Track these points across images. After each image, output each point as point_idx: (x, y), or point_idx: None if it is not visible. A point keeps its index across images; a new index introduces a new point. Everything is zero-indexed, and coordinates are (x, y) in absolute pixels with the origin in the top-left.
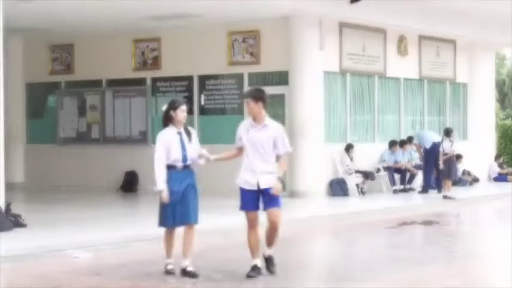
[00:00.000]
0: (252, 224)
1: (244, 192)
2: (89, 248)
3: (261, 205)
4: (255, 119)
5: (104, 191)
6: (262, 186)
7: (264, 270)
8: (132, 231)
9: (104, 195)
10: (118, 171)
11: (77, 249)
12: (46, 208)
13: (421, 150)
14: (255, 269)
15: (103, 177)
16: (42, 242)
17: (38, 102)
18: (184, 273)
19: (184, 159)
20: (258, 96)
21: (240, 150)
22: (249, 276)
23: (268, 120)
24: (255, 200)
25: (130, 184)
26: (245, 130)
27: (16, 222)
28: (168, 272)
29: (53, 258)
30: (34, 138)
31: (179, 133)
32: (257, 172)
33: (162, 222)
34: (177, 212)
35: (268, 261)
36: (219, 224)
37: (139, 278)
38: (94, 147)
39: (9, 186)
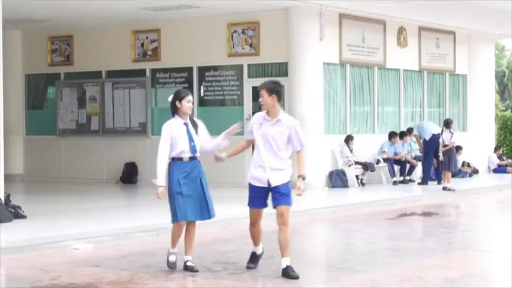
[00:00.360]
0: (254, 221)
1: (252, 189)
2: (89, 239)
3: (270, 202)
4: (269, 112)
5: (103, 183)
6: (273, 183)
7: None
8: (132, 223)
9: (104, 186)
10: (118, 162)
11: (76, 240)
12: (46, 199)
13: (421, 141)
14: (253, 258)
15: (102, 169)
16: (42, 234)
17: (37, 93)
18: (185, 267)
19: (193, 150)
20: (272, 89)
21: (250, 142)
22: (248, 267)
23: (282, 115)
24: (263, 197)
25: (130, 175)
26: (257, 124)
27: (16, 214)
28: (168, 264)
29: (52, 249)
30: (33, 130)
31: (185, 124)
32: (267, 168)
33: (175, 217)
34: (189, 206)
35: (288, 269)
36: (219, 215)
37: (139, 269)
38: (93, 139)
39: (9, 178)
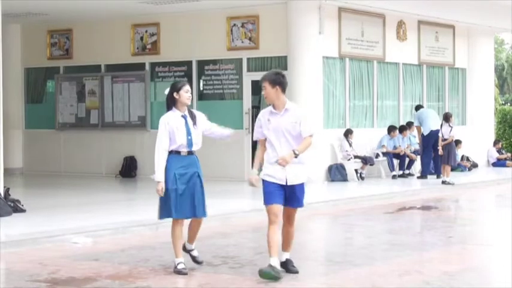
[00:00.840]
0: (274, 219)
1: (268, 184)
2: (88, 233)
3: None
4: (274, 105)
5: (102, 177)
6: (290, 181)
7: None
8: (131, 217)
9: (103, 180)
10: (117, 156)
11: (75, 234)
12: (45, 193)
13: (421, 132)
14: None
15: (102, 163)
16: (41, 228)
17: (37, 87)
18: (190, 256)
19: (190, 144)
20: (275, 80)
21: (264, 142)
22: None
23: (289, 105)
24: (281, 193)
25: (129, 169)
26: (265, 120)
27: (15, 208)
28: (180, 272)
29: (51, 243)
30: (33, 124)
31: (184, 117)
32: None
33: (166, 213)
34: (184, 204)
35: (288, 263)
36: (219, 209)
37: (138, 263)
38: (93, 133)
39: (8, 172)
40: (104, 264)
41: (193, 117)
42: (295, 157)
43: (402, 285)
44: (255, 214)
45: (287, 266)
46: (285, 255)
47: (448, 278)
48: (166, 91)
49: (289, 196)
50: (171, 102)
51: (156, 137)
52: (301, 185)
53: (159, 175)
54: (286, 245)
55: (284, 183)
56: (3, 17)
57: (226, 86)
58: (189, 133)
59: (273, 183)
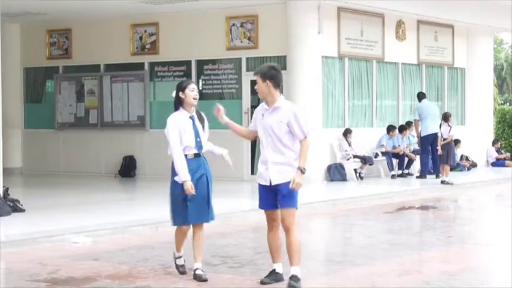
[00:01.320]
0: (271, 225)
1: (260, 188)
2: (87, 233)
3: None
4: (267, 101)
5: (102, 176)
6: (273, 182)
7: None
8: (131, 216)
9: (102, 180)
10: (116, 156)
11: (75, 234)
12: (44, 193)
13: (419, 126)
14: (271, 274)
15: (101, 162)
16: (41, 227)
17: (36, 87)
18: (194, 276)
19: (199, 146)
20: (266, 74)
21: (250, 133)
22: (262, 282)
23: (280, 102)
24: (273, 197)
25: (128, 169)
26: (260, 115)
27: (15, 207)
28: (178, 268)
29: (51, 243)
30: (32, 123)
31: (191, 117)
32: (269, 164)
33: (177, 219)
34: (190, 208)
35: (292, 279)
36: (218, 209)
37: (138, 263)
38: (92, 132)
39: (7, 171)
40: (103, 264)
41: (202, 120)
42: (303, 173)
43: (402, 285)
44: (254, 214)
45: (289, 280)
46: (292, 271)
47: (447, 278)
48: (173, 94)
49: (278, 197)
50: (178, 103)
51: (169, 138)
52: (287, 184)
53: (184, 175)
54: (290, 258)
55: (268, 184)
56: (2, 16)
57: (226, 85)
58: (197, 135)
59: (264, 186)
